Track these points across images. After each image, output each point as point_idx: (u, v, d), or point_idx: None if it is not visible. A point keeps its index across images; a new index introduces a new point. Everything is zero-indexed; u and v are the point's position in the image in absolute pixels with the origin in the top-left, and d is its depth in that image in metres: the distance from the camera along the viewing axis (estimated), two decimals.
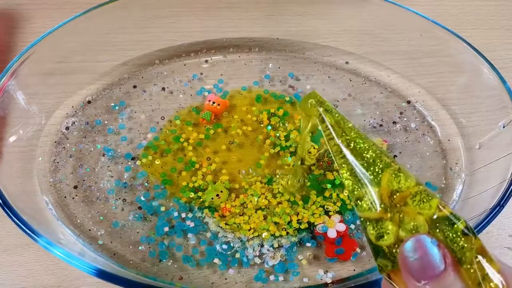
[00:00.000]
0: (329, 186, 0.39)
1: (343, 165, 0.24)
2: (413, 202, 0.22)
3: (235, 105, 0.45)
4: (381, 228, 0.21)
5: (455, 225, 0.21)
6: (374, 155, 0.23)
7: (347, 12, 0.49)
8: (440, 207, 0.22)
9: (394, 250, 0.21)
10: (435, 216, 0.21)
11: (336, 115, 0.27)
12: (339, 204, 0.39)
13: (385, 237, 0.21)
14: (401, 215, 0.22)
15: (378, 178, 0.23)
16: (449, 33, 0.44)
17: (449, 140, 0.44)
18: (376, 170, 0.23)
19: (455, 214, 0.22)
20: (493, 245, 0.39)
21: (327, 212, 0.38)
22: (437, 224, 0.21)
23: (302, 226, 0.37)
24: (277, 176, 0.40)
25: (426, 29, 0.45)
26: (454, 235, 0.21)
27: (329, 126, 0.26)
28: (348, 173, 0.24)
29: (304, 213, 0.38)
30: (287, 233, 0.37)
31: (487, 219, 0.33)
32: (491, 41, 0.52)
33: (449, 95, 0.46)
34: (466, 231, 0.21)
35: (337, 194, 0.39)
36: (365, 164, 0.23)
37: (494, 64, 0.42)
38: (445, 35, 0.44)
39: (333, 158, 0.25)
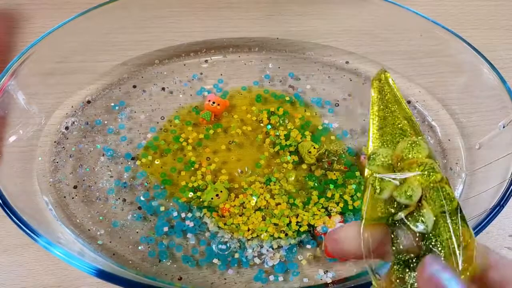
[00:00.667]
0: (331, 186, 0.39)
1: (374, 121, 0.26)
2: (416, 169, 0.23)
3: (235, 105, 0.45)
4: (382, 184, 0.23)
5: (449, 205, 0.22)
6: (404, 126, 0.26)
7: (347, 12, 0.49)
8: (440, 183, 0.23)
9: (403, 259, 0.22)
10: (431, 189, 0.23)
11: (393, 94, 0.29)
12: (341, 204, 0.39)
13: (383, 191, 0.23)
14: (402, 179, 0.23)
15: (395, 142, 0.25)
16: (449, 33, 0.44)
17: (449, 139, 0.44)
18: (397, 137, 0.25)
19: (451, 194, 0.22)
20: (493, 245, 0.39)
21: (329, 213, 0.38)
22: (431, 197, 0.22)
23: (302, 229, 0.37)
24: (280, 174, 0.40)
25: (426, 29, 0.45)
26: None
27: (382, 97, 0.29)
28: (375, 129, 0.26)
29: (304, 215, 0.38)
30: (286, 234, 0.37)
31: (487, 219, 0.33)
32: (491, 41, 0.52)
33: (449, 95, 0.46)
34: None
35: (340, 195, 0.39)
36: (392, 128, 0.26)
37: (494, 64, 0.42)
38: (445, 35, 0.44)
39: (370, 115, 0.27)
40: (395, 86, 0.29)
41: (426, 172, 0.23)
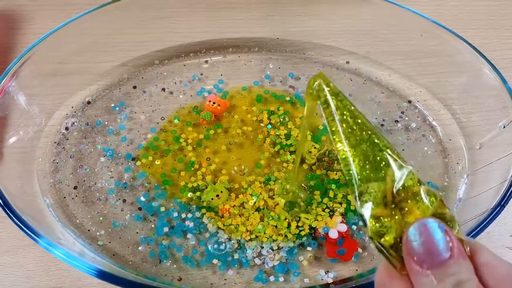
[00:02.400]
0: (334, 186, 0.39)
1: (345, 158, 0.23)
2: (415, 199, 0.21)
3: (235, 105, 0.45)
4: (383, 226, 0.20)
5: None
6: (381, 153, 0.22)
7: (348, 12, 0.49)
8: (441, 206, 0.21)
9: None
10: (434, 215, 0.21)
11: (343, 101, 0.25)
12: (345, 205, 0.38)
13: (386, 236, 0.20)
14: (402, 213, 0.21)
15: (382, 173, 0.22)
16: (449, 33, 0.44)
17: (450, 139, 0.44)
18: (381, 166, 0.22)
19: (453, 217, 0.21)
20: (494, 245, 0.39)
21: (333, 213, 0.38)
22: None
23: (303, 233, 0.37)
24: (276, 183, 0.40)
25: (427, 29, 0.45)
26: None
27: (334, 112, 0.24)
28: (349, 166, 0.23)
29: (306, 218, 0.37)
30: (285, 236, 0.37)
31: (488, 219, 0.33)
32: (491, 41, 0.52)
33: (450, 95, 0.46)
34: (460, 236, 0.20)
35: (343, 195, 0.39)
36: (370, 159, 0.22)
37: (495, 64, 0.42)
38: (446, 35, 0.44)
39: (334, 148, 0.23)
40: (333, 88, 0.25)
41: (426, 199, 0.21)
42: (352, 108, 0.24)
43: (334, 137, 0.23)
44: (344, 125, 0.23)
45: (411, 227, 0.19)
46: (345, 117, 0.23)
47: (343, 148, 0.23)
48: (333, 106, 0.24)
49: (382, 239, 0.20)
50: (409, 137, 0.44)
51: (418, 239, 0.19)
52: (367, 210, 0.21)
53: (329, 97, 0.25)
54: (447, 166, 0.42)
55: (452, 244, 0.18)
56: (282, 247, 0.36)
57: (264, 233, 0.37)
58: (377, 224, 0.20)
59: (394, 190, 0.21)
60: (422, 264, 0.18)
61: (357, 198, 0.22)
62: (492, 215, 0.33)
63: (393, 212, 0.21)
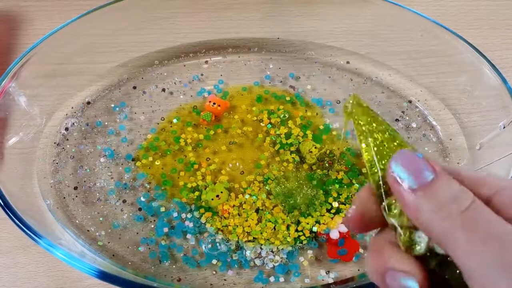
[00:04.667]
0: (337, 186, 0.39)
1: (376, 170, 0.22)
2: None
3: (236, 105, 0.45)
4: (411, 235, 0.19)
5: None
6: None
7: (348, 12, 0.49)
8: None
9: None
10: None
11: (373, 126, 0.25)
12: (348, 205, 0.38)
13: (416, 246, 0.19)
14: None
15: None
16: (449, 33, 0.44)
17: (450, 139, 0.44)
18: None
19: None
20: None
21: (338, 212, 0.38)
22: None
23: (303, 238, 0.37)
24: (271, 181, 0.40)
25: (427, 29, 0.45)
26: None
27: (363, 137, 0.24)
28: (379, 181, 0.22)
29: (306, 222, 0.37)
30: (284, 238, 0.37)
31: None
32: (491, 41, 0.52)
33: (450, 95, 0.45)
34: None
35: (348, 195, 0.39)
36: None
37: (495, 64, 0.42)
38: (446, 35, 0.44)
39: (364, 160, 0.23)
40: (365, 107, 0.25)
41: None
42: (383, 134, 0.24)
43: (365, 155, 0.23)
44: (374, 145, 0.23)
45: (392, 159, 0.19)
46: (375, 140, 0.23)
47: (373, 165, 0.23)
48: (364, 131, 0.24)
49: (413, 250, 0.19)
50: (410, 137, 0.44)
51: (401, 166, 0.18)
52: (396, 221, 0.20)
53: (358, 122, 0.25)
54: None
55: (433, 165, 0.18)
56: (282, 249, 0.36)
57: (261, 233, 0.37)
58: (408, 235, 0.20)
59: None
60: (410, 186, 0.18)
61: (386, 209, 0.21)
62: None
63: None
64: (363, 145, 0.23)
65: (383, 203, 0.21)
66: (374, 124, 0.24)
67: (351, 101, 0.25)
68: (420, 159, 0.18)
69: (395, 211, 0.20)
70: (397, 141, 0.22)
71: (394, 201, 0.20)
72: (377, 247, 0.20)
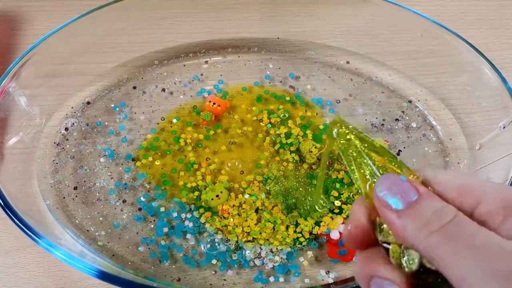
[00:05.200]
0: (338, 185, 0.39)
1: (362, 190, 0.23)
2: None
3: (236, 105, 0.45)
4: (403, 253, 0.20)
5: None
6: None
7: (348, 12, 0.49)
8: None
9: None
10: None
11: (359, 149, 0.24)
12: (350, 205, 0.38)
13: (409, 263, 0.19)
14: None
15: None
16: (449, 33, 0.44)
17: (450, 139, 0.44)
18: None
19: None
20: None
21: (340, 211, 0.38)
22: None
23: (302, 239, 0.37)
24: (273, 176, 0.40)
25: (427, 29, 0.45)
26: None
27: (352, 163, 0.23)
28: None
29: (305, 225, 0.37)
30: (283, 239, 0.37)
31: None
32: (491, 41, 0.52)
33: (450, 95, 0.45)
34: None
35: (352, 195, 0.39)
36: None
37: (495, 64, 0.42)
38: (446, 35, 0.44)
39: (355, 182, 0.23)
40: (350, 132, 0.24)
41: None
42: (369, 157, 0.23)
43: (356, 184, 0.23)
44: (362, 171, 0.23)
45: (376, 184, 0.20)
46: (363, 166, 0.23)
47: (363, 191, 0.23)
48: (350, 158, 0.24)
49: (405, 268, 0.20)
50: (410, 137, 0.44)
51: (385, 190, 0.19)
52: (388, 239, 0.21)
53: (342, 151, 0.24)
54: (448, 166, 0.42)
55: (416, 186, 0.19)
56: (282, 249, 0.36)
57: (260, 233, 0.37)
58: (400, 253, 0.20)
59: None
60: (397, 210, 0.19)
61: (377, 228, 0.21)
62: None
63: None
64: (352, 169, 0.23)
65: (375, 222, 0.21)
66: (359, 146, 0.24)
67: (334, 130, 0.25)
68: (404, 182, 0.19)
69: (386, 230, 0.20)
70: (387, 159, 0.23)
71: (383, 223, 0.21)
72: (368, 254, 0.21)
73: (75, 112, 0.44)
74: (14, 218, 0.32)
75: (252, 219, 0.37)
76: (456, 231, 0.17)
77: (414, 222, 0.18)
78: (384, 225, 0.20)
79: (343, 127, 0.25)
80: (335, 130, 0.25)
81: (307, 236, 0.37)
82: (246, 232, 0.37)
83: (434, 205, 0.19)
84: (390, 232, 0.20)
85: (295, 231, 0.37)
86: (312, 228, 0.37)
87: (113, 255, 0.36)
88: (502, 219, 0.18)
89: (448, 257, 0.17)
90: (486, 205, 0.18)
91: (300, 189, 0.39)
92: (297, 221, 0.37)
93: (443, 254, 0.17)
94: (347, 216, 0.38)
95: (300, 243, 0.37)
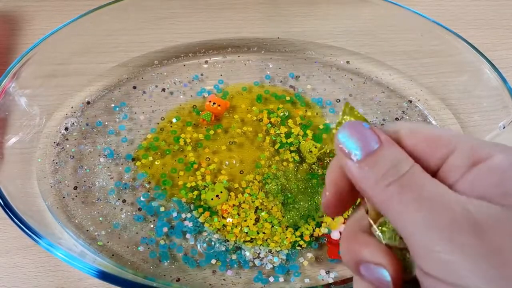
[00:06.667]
0: None
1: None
2: None
3: (236, 105, 0.45)
4: (405, 258, 0.19)
5: None
6: None
7: (348, 12, 0.49)
8: None
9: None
10: None
11: None
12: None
13: (412, 270, 0.18)
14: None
15: None
16: (450, 33, 0.44)
17: None
18: None
19: None
20: None
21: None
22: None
23: (302, 243, 0.37)
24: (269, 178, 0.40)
25: (427, 29, 0.45)
26: None
27: None
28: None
29: (307, 228, 0.37)
30: (282, 240, 0.37)
31: None
32: (491, 41, 0.52)
33: (450, 95, 0.45)
34: None
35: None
36: None
37: (495, 64, 0.42)
38: (446, 35, 0.44)
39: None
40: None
41: None
42: None
43: None
44: None
45: (338, 130, 0.19)
46: None
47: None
48: None
49: (406, 273, 0.19)
50: None
51: (347, 136, 0.19)
52: (389, 242, 0.20)
53: None
54: None
55: (379, 134, 0.18)
56: (281, 250, 0.36)
57: (258, 234, 0.37)
58: (401, 257, 0.19)
59: None
60: (357, 159, 0.18)
61: (380, 231, 0.20)
62: None
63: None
64: None
65: (374, 227, 0.20)
66: None
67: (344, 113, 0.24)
68: (366, 129, 0.19)
69: (388, 233, 0.19)
70: None
71: (385, 222, 0.19)
72: (351, 233, 0.20)
73: (75, 112, 0.44)
74: (14, 218, 0.32)
75: (251, 219, 0.37)
76: (408, 181, 0.17)
77: (372, 173, 0.18)
78: (387, 229, 0.19)
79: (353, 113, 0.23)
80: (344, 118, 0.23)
81: (307, 239, 0.37)
82: (245, 232, 0.37)
83: (394, 156, 0.18)
84: (391, 236, 0.19)
85: (294, 234, 0.37)
86: (313, 231, 0.37)
87: (113, 255, 0.36)
88: (464, 171, 0.17)
89: (396, 207, 0.17)
90: (455, 156, 0.18)
91: (300, 188, 0.39)
92: (296, 225, 0.37)
93: (393, 204, 0.17)
94: (348, 216, 0.38)
95: (300, 245, 0.37)
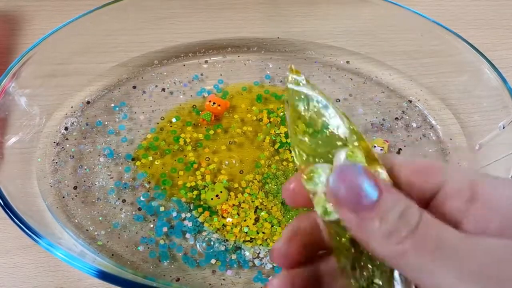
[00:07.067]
0: None
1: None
2: None
3: (235, 105, 0.45)
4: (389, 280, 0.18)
5: None
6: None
7: (348, 12, 0.49)
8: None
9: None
10: None
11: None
12: None
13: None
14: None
15: (330, 153, 0.19)
16: (449, 33, 0.44)
17: (450, 139, 0.44)
18: (332, 146, 0.19)
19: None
20: None
21: None
22: None
23: None
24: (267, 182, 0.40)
25: (427, 29, 0.45)
26: None
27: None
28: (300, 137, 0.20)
29: None
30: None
31: None
32: (492, 41, 0.52)
33: (450, 95, 0.45)
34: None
35: None
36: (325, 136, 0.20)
37: (495, 64, 0.42)
38: (446, 35, 0.44)
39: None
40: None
41: None
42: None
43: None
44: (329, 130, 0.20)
45: (330, 178, 0.17)
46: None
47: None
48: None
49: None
50: (410, 137, 0.44)
51: (342, 186, 0.17)
52: (312, 186, 0.19)
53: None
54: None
55: (376, 181, 0.17)
56: None
57: (258, 233, 0.37)
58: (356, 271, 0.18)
59: None
60: (355, 210, 0.16)
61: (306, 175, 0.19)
62: None
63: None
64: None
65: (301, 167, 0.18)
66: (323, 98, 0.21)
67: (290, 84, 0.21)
68: (362, 176, 0.17)
69: (314, 178, 0.18)
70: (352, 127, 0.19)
71: (312, 170, 0.18)
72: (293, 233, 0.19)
73: (75, 112, 0.44)
74: (14, 218, 0.32)
75: (251, 219, 0.37)
76: (424, 237, 0.16)
77: (379, 228, 0.16)
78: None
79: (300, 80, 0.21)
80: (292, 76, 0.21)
81: None
82: (245, 232, 0.37)
83: (399, 204, 0.16)
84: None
85: None
86: None
87: (113, 255, 0.36)
88: (465, 208, 0.17)
89: (419, 267, 0.16)
90: (452, 183, 0.17)
91: None
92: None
93: (411, 262, 0.16)
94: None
95: None
